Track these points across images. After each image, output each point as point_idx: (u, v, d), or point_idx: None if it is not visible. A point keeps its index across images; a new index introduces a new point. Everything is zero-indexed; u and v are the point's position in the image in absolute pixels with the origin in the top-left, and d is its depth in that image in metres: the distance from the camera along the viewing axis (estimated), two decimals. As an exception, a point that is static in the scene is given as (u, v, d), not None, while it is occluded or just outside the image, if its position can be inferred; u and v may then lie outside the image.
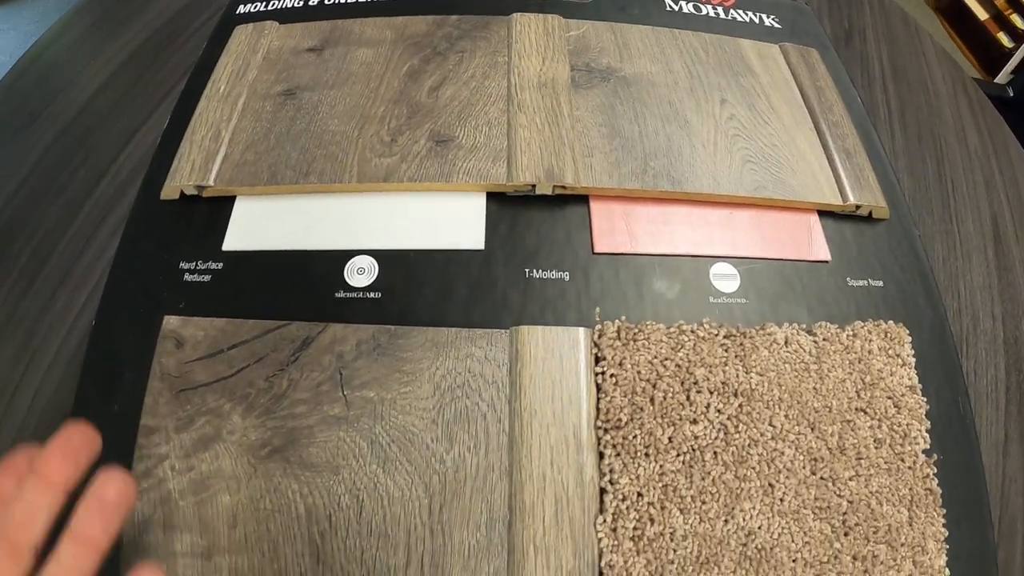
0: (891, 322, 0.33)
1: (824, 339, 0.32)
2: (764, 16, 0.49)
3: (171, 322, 0.31)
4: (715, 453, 0.28)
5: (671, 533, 0.27)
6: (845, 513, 0.28)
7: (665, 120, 0.39)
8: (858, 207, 0.37)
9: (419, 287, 0.33)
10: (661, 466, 0.28)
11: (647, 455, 0.28)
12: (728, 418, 0.29)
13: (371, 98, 0.39)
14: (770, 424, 0.29)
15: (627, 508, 0.27)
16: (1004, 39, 1.26)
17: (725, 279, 0.34)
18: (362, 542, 0.27)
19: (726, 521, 0.27)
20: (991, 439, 0.34)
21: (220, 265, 0.33)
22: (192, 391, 0.29)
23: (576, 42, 0.43)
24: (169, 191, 0.36)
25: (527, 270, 0.34)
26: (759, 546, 0.27)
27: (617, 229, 0.35)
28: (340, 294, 0.32)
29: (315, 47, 0.42)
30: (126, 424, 0.29)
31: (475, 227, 0.35)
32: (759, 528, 0.28)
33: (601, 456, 0.28)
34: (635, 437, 0.28)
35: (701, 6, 0.48)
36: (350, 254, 0.34)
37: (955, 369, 0.33)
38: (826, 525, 0.28)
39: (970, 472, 0.31)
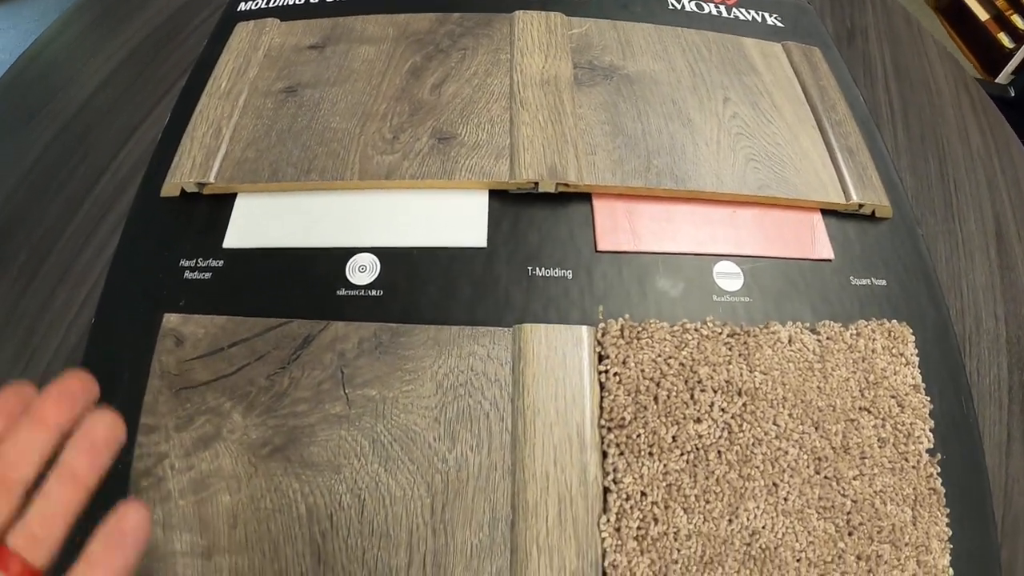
0: (895, 321, 0.33)
1: (828, 338, 0.32)
2: (767, 15, 0.49)
3: (171, 320, 0.31)
4: (719, 452, 0.28)
5: (675, 533, 0.27)
6: (849, 512, 0.28)
7: (668, 118, 0.39)
8: (861, 206, 0.37)
9: (421, 285, 0.32)
10: (665, 465, 0.28)
11: (651, 454, 0.28)
12: (732, 417, 0.29)
13: (373, 95, 0.39)
14: (774, 423, 0.29)
15: (631, 508, 0.27)
16: (1005, 39, 1.27)
17: (728, 277, 0.34)
18: (363, 542, 0.26)
19: (730, 521, 0.27)
20: (994, 439, 0.34)
21: (221, 263, 0.33)
22: (192, 389, 0.29)
23: (579, 40, 0.43)
24: (169, 188, 0.35)
25: (530, 268, 0.33)
26: (763, 546, 0.27)
27: (620, 227, 0.35)
28: (342, 292, 0.32)
29: (317, 44, 0.42)
30: (125, 423, 0.28)
31: (477, 225, 0.34)
32: (763, 528, 0.27)
33: (605, 455, 0.28)
34: (639, 436, 0.28)
35: (704, 4, 0.48)
36: (352, 252, 0.33)
37: (958, 369, 0.33)
38: (830, 525, 0.28)
39: (973, 472, 0.30)
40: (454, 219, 0.35)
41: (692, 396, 0.29)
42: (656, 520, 0.27)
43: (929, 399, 0.31)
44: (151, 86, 0.46)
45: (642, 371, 0.30)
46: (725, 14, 0.48)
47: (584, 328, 0.31)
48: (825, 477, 0.29)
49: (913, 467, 0.30)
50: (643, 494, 0.27)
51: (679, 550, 0.27)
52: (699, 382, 0.30)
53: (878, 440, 0.30)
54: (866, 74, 0.51)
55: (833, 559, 0.27)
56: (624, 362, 0.30)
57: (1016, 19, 1.25)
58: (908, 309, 0.34)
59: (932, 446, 0.30)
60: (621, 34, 0.44)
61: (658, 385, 0.29)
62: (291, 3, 0.46)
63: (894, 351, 0.32)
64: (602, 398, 0.29)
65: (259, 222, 0.34)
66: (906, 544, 0.28)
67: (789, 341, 0.31)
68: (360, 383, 0.29)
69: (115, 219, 0.38)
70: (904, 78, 0.51)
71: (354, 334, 0.30)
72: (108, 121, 0.44)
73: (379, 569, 0.26)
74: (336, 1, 0.46)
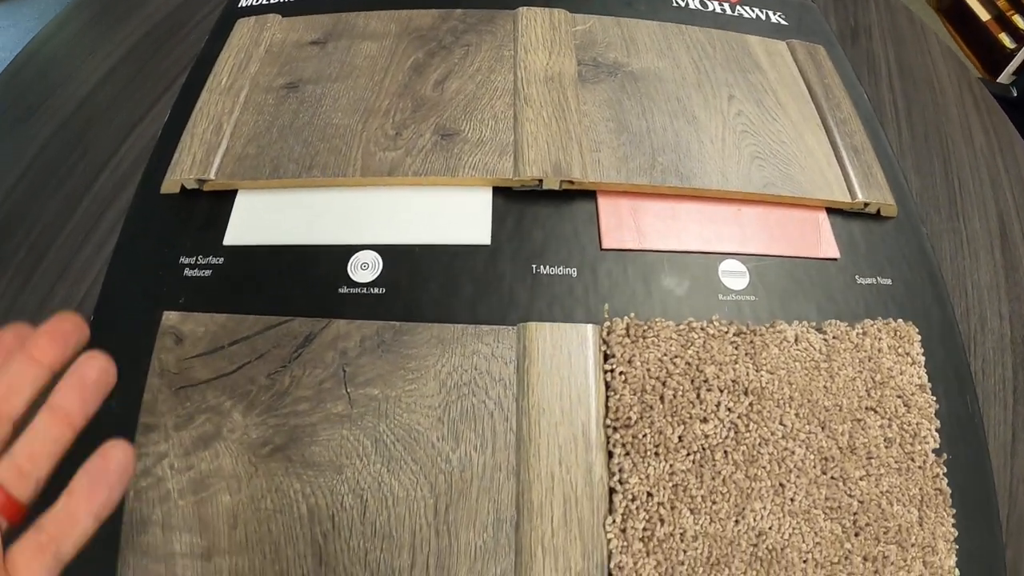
0: (901, 320, 0.33)
1: (834, 337, 0.32)
2: (771, 13, 0.48)
3: (171, 318, 0.31)
4: (725, 452, 0.28)
5: (681, 534, 0.27)
6: (856, 513, 0.28)
7: (673, 115, 0.39)
8: (867, 204, 0.37)
9: (424, 283, 0.32)
10: (671, 465, 0.28)
11: (657, 454, 0.28)
12: (738, 417, 0.29)
13: (375, 91, 0.39)
14: (781, 423, 0.29)
15: (637, 508, 0.27)
16: (1006, 40, 1.27)
17: (734, 276, 0.34)
18: (366, 543, 0.26)
19: (737, 521, 0.27)
20: (999, 439, 0.34)
21: (221, 260, 0.33)
22: (192, 388, 0.29)
23: (583, 36, 0.43)
24: (169, 185, 0.35)
25: (534, 266, 0.33)
26: (770, 547, 0.27)
27: (625, 225, 0.35)
28: (343, 290, 0.32)
29: (318, 40, 0.42)
30: (124, 422, 0.28)
31: (481, 222, 0.34)
32: (770, 528, 0.27)
33: (610, 455, 0.28)
34: (645, 436, 0.28)
35: (707, 2, 0.48)
36: (354, 249, 0.33)
37: (963, 368, 0.33)
38: (837, 525, 0.28)
39: (978, 472, 0.30)
40: (457, 216, 0.34)
41: (698, 395, 0.29)
42: (662, 521, 0.27)
43: (935, 399, 0.31)
44: (151, 82, 0.45)
45: (648, 370, 0.29)
46: (729, 11, 0.48)
47: (589, 327, 0.31)
48: (832, 477, 0.28)
49: (919, 467, 0.29)
50: (649, 495, 0.27)
51: (685, 551, 0.26)
52: (705, 381, 0.29)
53: (884, 440, 0.30)
54: (870, 73, 0.51)
55: (840, 560, 0.27)
56: (630, 361, 0.29)
57: (1017, 19, 1.25)
58: (913, 308, 0.34)
59: (938, 446, 0.30)
60: (625, 31, 0.44)
61: (664, 384, 0.29)
62: (292, -1, 0.46)
63: (900, 350, 0.32)
64: (608, 397, 0.29)
65: (260, 219, 0.34)
66: (912, 545, 0.28)
67: (795, 340, 0.31)
68: (362, 382, 0.29)
69: (114, 216, 0.38)
70: (908, 77, 0.51)
71: (356, 332, 0.30)
72: (108, 118, 0.43)
73: (381, 571, 0.26)
74: (338, -3, 0.45)
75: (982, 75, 1.31)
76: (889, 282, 0.35)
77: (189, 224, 0.34)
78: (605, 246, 0.34)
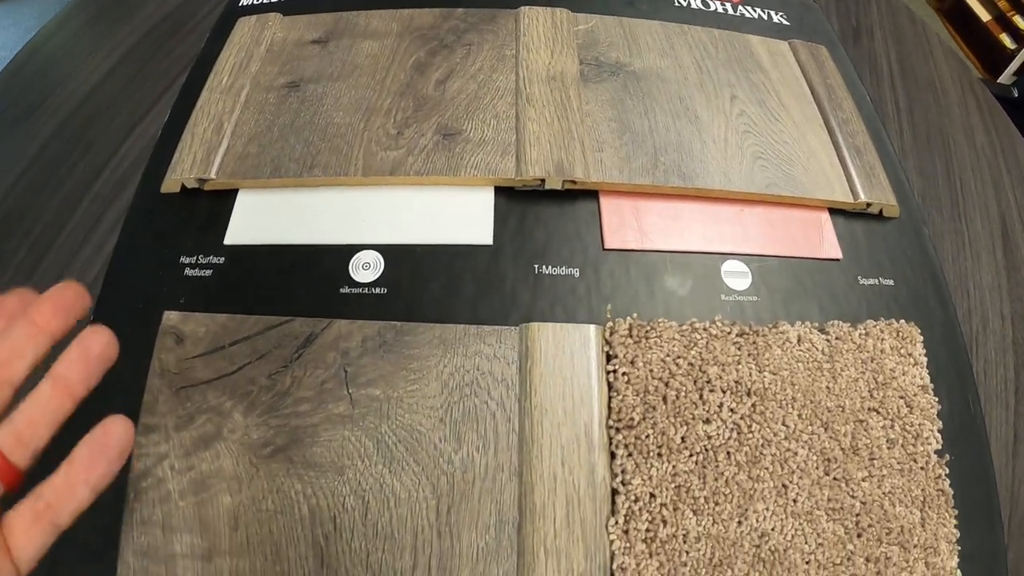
0: (903, 321, 0.33)
1: (837, 338, 0.32)
2: (772, 13, 0.48)
3: (171, 318, 0.30)
4: (728, 453, 0.28)
5: (684, 535, 0.26)
6: (858, 514, 0.28)
7: (675, 115, 0.39)
8: (869, 205, 0.37)
9: (426, 283, 0.32)
10: (674, 466, 0.27)
11: (660, 455, 0.28)
12: (741, 417, 0.29)
13: (377, 90, 0.39)
14: (783, 424, 0.29)
15: (639, 509, 0.27)
16: (1007, 40, 1.27)
17: (736, 276, 0.34)
18: (367, 544, 0.26)
19: (739, 522, 0.27)
20: (1001, 439, 0.34)
21: (222, 260, 0.33)
22: (192, 388, 0.29)
23: (585, 36, 0.43)
24: (170, 184, 0.35)
25: (536, 266, 0.33)
26: (772, 548, 0.27)
27: (627, 225, 0.35)
28: (345, 290, 0.32)
29: (319, 39, 0.42)
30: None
31: (483, 222, 0.34)
32: (772, 529, 0.27)
33: (613, 456, 0.28)
34: (647, 437, 0.28)
35: (709, 2, 0.48)
36: (355, 249, 0.33)
37: (965, 369, 0.33)
38: (839, 526, 0.28)
39: (980, 473, 0.30)
40: (459, 216, 0.34)
41: (701, 396, 0.29)
42: (665, 522, 0.27)
43: (937, 400, 0.31)
44: (151, 82, 0.45)
45: (651, 371, 0.29)
46: (731, 12, 0.48)
47: (592, 327, 0.31)
48: (834, 478, 0.28)
49: (922, 468, 0.29)
50: (652, 496, 0.27)
51: (688, 552, 0.26)
52: (708, 382, 0.29)
53: (887, 441, 0.30)
54: (872, 73, 0.51)
55: (842, 561, 0.27)
56: (632, 362, 0.29)
57: (1018, 20, 1.25)
58: (915, 309, 0.34)
59: (940, 447, 0.30)
60: (627, 31, 0.43)
61: (667, 385, 0.29)
62: (293, -2, 0.45)
63: (903, 351, 0.32)
64: (610, 398, 0.29)
65: (261, 219, 0.34)
66: (915, 546, 0.28)
67: (798, 341, 0.31)
68: (364, 382, 0.29)
69: (115, 216, 0.38)
70: (910, 77, 0.51)
71: (357, 332, 0.30)
72: (108, 117, 0.43)
73: (383, 572, 0.26)
74: (339, -4, 0.45)
75: (982, 76, 1.31)
76: (891, 283, 0.35)
77: (189, 224, 0.34)
78: (607, 246, 0.34)
